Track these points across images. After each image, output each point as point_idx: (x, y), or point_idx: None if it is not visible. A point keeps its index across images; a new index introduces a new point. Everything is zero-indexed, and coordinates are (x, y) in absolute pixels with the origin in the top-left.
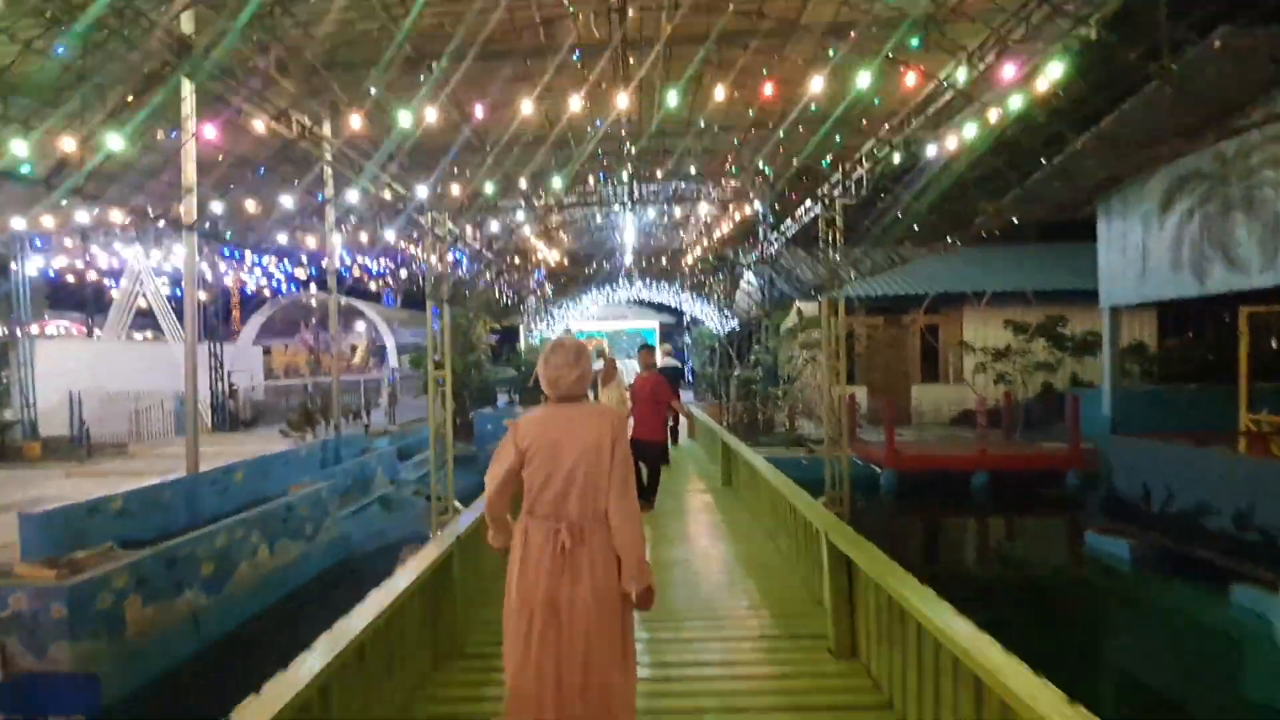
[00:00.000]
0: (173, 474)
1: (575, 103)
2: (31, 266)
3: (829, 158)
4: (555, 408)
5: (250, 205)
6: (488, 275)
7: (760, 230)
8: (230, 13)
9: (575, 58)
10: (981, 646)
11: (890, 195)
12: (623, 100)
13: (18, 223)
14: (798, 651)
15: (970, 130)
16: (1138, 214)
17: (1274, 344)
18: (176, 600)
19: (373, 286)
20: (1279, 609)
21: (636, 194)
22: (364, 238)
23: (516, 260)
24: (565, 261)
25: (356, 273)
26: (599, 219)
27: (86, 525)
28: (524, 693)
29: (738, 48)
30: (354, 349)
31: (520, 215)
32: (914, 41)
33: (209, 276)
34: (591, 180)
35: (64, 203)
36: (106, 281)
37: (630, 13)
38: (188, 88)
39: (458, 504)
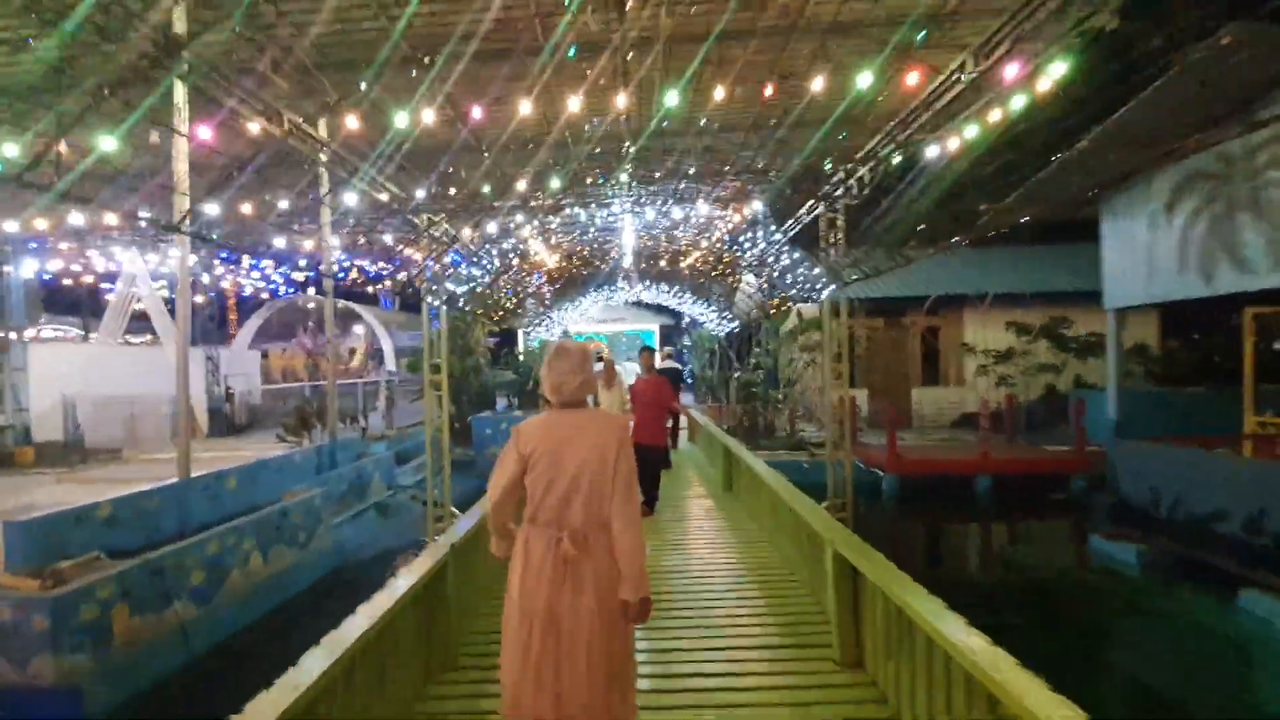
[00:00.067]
0: (166, 480)
1: (574, 103)
2: (27, 269)
3: (831, 158)
4: (559, 414)
5: (245, 207)
6: (486, 277)
7: (761, 230)
8: (224, 11)
9: (571, 53)
10: (997, 662)
11: (894, 194)
12: (621, 100)
13: (9, 225)
14: (802, 662)
15: (980, 125)
16: (1143, 214)
17: (1278, 345)
18: (165, 611)
19: (370, 290)
20: None
21: (636, 194)
22: (361, 240)
23: (515, 262)
24: (564, 263)
25: (355, 275)
26: (598, 220)
27: (73, 534)
28: (523, 704)
29: (738, 46)
30: (352, 352)
31: (519, 217)
32: (918, 37)
33: (205, 280)
34: (590, 180)
35: (42, 203)
36: (105, 285)
37: (629, 3)
38: (179, 88)
39: (454, 510)
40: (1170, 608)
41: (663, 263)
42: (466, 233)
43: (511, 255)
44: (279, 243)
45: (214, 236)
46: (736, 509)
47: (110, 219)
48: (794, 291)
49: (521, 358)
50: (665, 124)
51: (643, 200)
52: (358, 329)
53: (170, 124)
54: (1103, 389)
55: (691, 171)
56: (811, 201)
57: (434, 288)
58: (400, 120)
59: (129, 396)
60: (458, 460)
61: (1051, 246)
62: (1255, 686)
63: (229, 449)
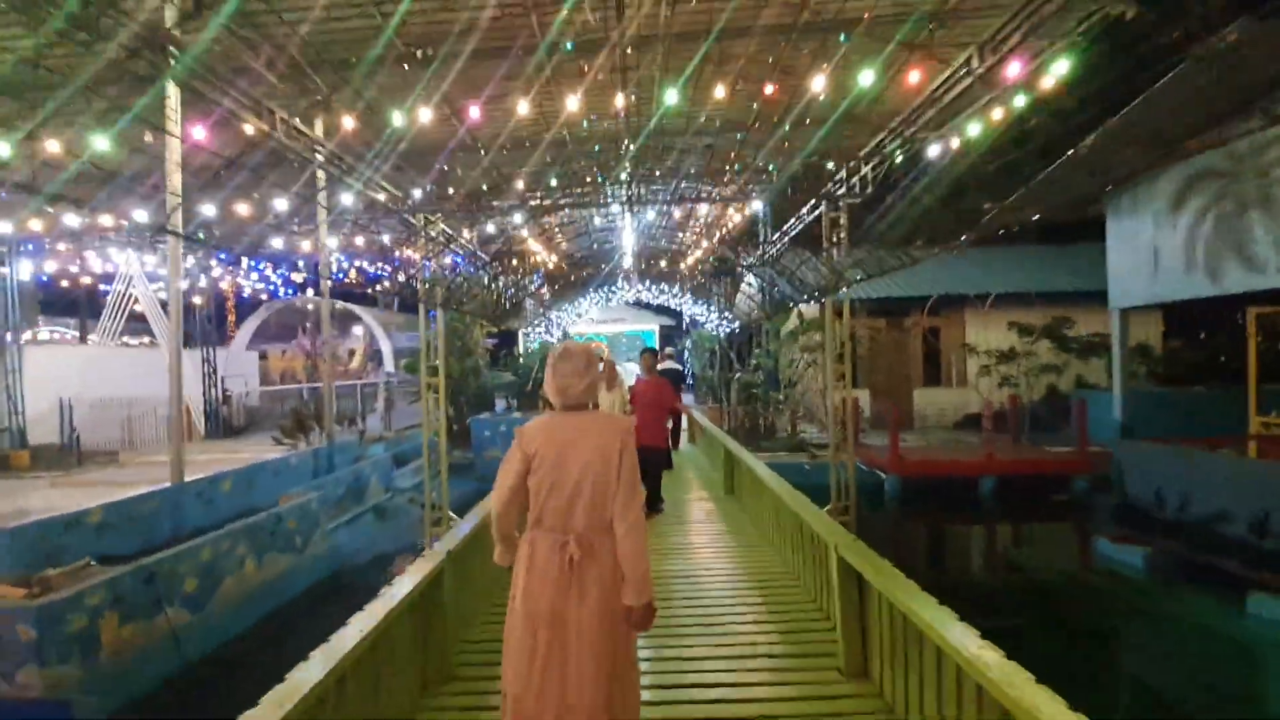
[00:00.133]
0: (161, 483)
1: (572, 101)
2: (24, 270)
3: (833, 157)
4: (562, 416)
5: (241, 208)
6: (484, 278)
7: (762, 230)
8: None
9: (569, 46)
10: (1011, 676)
11: (898, 192)
12: (620, 98)
13: (4, 226)
14: (805, 671)
15: (988, 121)
16: (1149, 213)
17: None
18: (156, 619)
19: (369, 290)
20: None
21: (635, 194)
22: (359, 240)
23: (514, 262)
24: (564, 263)
25: (354, 276)
26: (597, 220)
27: (63, 540)
28: (526, 711)
29: (739, 43)
30: (351, 354)
31: (517, 217)
32: (922, 33)
33: (203, 281)
34: (589, 180)
35: (34, 205)
36: (103, 286)
37: None
38: (170, 87)
39: (452, 514)
40: (1176, 610)
41: (663, 263)
42: (465, 232)
43: (510, 257)
44: (276, 243)
45: (201, 237)
46: (738, 512)
47: (105, 220)
48: (795, 294)
49: (521, 359)
50: (665, 122)
51: (643, 199)
52: (357, 330)
53: (161, 125)
54: (1104, 389)
55: (692, 171)
56: (814, 200)
57: (431, 289)
58: (396, 119)
59: (126, 399)
60: (456, 463)
61: (1052, 246)
62: (1262, 690)
63: (226, 451)
